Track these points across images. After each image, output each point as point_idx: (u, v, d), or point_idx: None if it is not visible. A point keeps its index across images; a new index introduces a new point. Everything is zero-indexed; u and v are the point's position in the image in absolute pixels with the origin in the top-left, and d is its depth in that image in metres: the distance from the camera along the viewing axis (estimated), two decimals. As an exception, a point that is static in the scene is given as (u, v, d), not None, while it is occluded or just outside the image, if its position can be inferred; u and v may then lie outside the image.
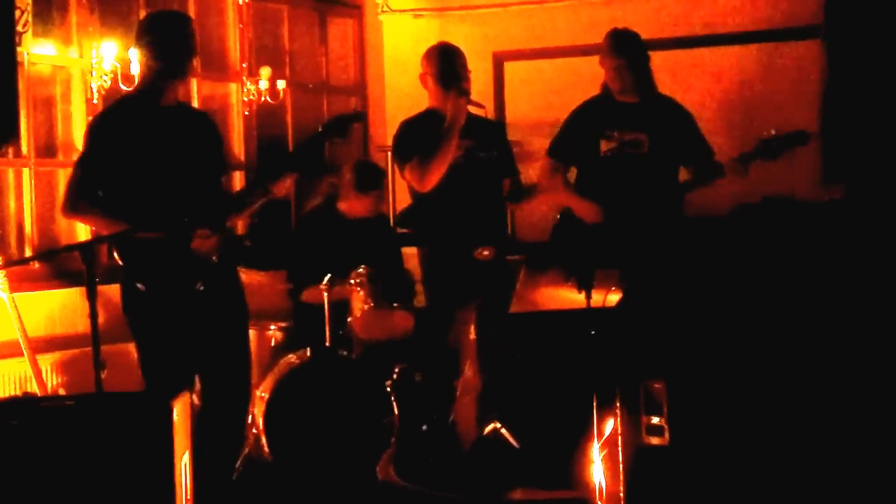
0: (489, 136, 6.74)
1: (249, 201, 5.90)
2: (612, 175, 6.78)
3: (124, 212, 5.46)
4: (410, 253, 7.28)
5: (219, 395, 5.66)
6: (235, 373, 5.78)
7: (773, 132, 6.76)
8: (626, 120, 6.80)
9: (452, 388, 6.67)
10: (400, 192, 8.80)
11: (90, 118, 7.03)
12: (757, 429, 5.51)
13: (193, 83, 7.92)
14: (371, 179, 7.41)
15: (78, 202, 5.56)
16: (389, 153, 8.93)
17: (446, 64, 6.61)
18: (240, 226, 7.95)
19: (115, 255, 5.60)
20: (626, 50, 6.83)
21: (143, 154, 5.51)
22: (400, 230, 7.93)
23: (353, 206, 7.35)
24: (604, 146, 6.81)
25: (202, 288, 5.57)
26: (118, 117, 5.65)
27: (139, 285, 5.51)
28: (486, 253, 6.53)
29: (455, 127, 6.44)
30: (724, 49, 8.61)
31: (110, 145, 5.52)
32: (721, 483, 5.50)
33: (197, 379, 5.75)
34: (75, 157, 7.15)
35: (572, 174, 7.01)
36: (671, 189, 6.85)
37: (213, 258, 5.57)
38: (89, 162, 5.58)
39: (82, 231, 7.18)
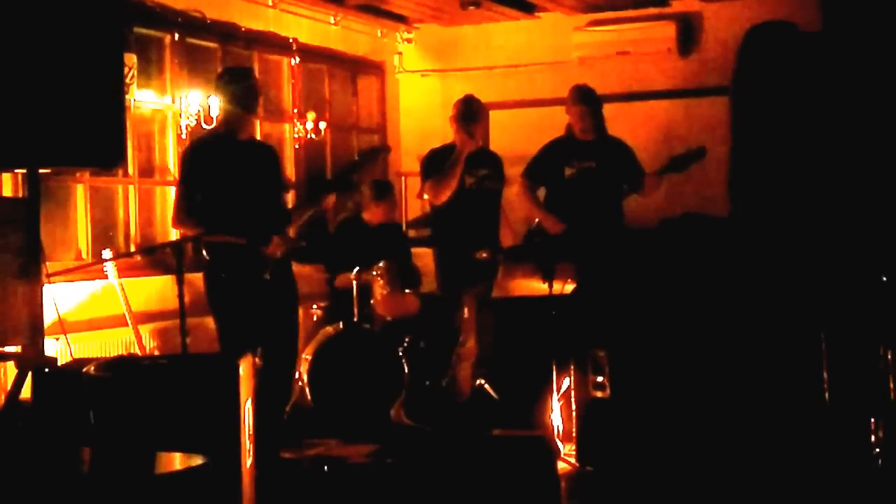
0: (496, 168, 6.84)
1: (302, 213, 5.94)
2: (573, 192, 6.84)
3: (215, 221, 5.46)
4: (420, 252, 7.29)
5: (275, 359, 5.67)
6: (287, 343, 5.77)
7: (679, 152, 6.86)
8: (582, 153, 6.88)
9: (452, 354, 6.66)
10: (411, 205, 8.83)
11: (182, 148, 7.03)
12: (675, 386, 5.51)
13: (257, 123, 7.91)
14: (383, 191, 7.44)
15: (180, 217, 5.59)
16: (403, 177, 8.98)
17: (463, 109, 6.69)
18: (292, 231, 7.95)
19: (204, 252, 5.60)
20: (588, 100, 6.88)
21: (225, 178, 5.51)
22: (411, 233, 7.95)
23: (373, 214, 7.35)
24: (567, 172, 6.87)
25: (268, 277, 5.55)
26: (205, 149, 5.64)
27: (222, 275, 5.51)
28: (484, 255, 6.57)
29: (461, 157, 6.53)
30: (653, 102, 8.63)
31: (200, 171, 5.52)
32: (649, 427, 5.50)
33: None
34: (170, 178, 7.19)
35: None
36: (615, 201, 6.90)
37: (278, 255, 5.58)
38: (186, 184, 5.58)
39: (173, 232, 7.18)
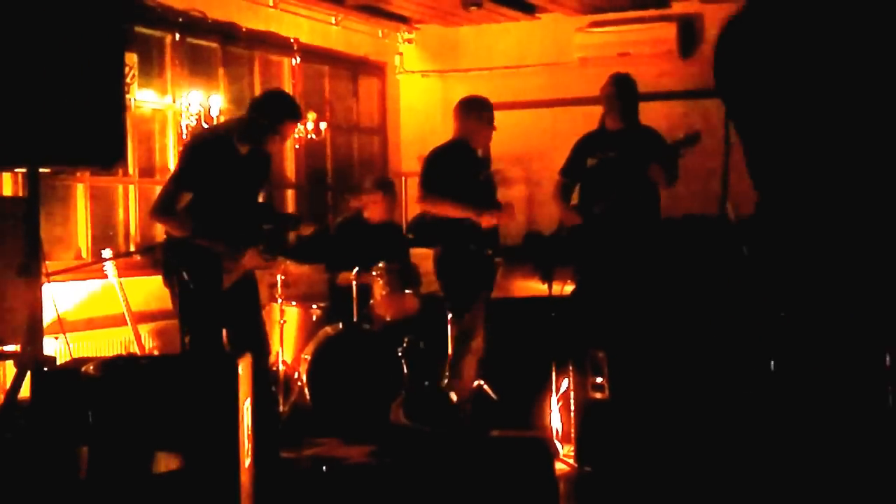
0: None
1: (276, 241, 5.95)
2: (594, 182, 6.71)
3: (196, 223, 5.43)
4: (420, 253, 7.30)
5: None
6: (258, 343, 5.71)
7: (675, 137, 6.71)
8: (607, 143, 6.69)
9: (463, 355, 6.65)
10: (411, 205, 8.83)
11: (187, 139, 6.95)
12: (673, 388, 5.52)
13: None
14: (383, 185, 7.43)
15: (161, 212, 5.54)
16: (404, 177, 9.00)
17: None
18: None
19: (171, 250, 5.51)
20: (618, 85, 6.75)
21: (221, 183, 5.49)
22: (410, 235, 7.94)
23: (372, 210, 7.33)
24: (590, 162, 6.75)
25: (225, 287, 5.49)
26: (211, 148, 5.57)
27: (184, 274, 5.42)
28: (489, 252, 6.57)
29: (473, 218, 6.53)
30: (653, 103, 8.62)
31: (200, 171, 5.50)
32: (648, 428, 5.51)
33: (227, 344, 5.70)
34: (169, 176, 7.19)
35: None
36: (640, 192, 6.63)
37: (248, 268, 5.55)
38: (180, 181, 5.53)
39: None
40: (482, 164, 6.79)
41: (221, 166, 5.47)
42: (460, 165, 6.68)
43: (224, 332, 5.60)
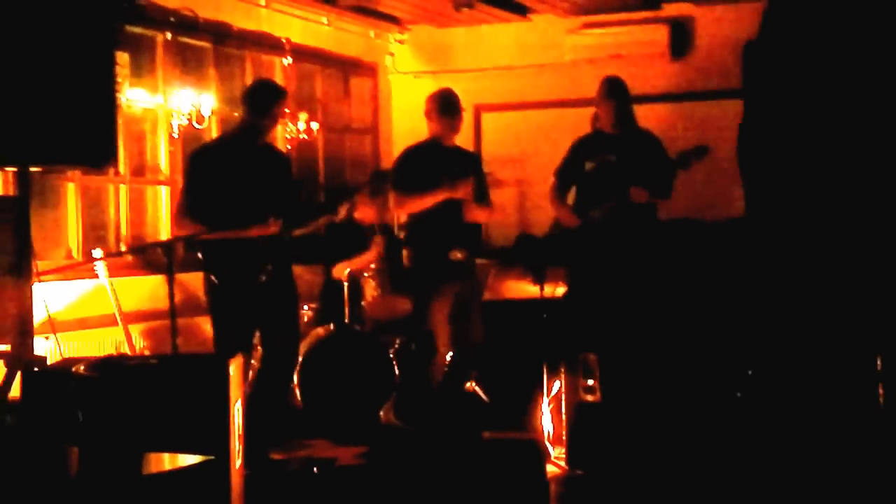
0: (470, 166, 6.70)
1: (309, 222, 5.95)
2: (592, 185, 6.64)
3: (215, 220, 5.46)
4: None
5: (273, 361, 5.70)
6: (287, 346, 5.79)
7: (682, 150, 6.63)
8: (604, 146, 6.63)
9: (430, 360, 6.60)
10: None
11: (174, 148, 7.04)
12: (665, 390, 5.53)
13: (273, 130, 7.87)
14: (377, 188, 7.39)
15: (182, 223, 5.61)
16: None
17: (444, 104, 6.59)
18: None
19: (199, 254, 5.60)
20: (610, 87, 6.67)
21: (235, 180, 5.54)
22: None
23: (364, 213, 7.30)
24: (587, 166, 6.68)
25: (265, 279, 5.56)
26: (211, 153, 5.73)
27: (212, 278, 5.50)
28: (459, 255, 6.48)
29: (447, 197, 6.41)
30: (645, 106, 8.62)
31: (207, 174, 5.56)
32: (639, 431, 5.51)
33: (259, 346, 5.79)
34: (161, 177, 7.18)
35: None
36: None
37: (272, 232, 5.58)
38: (190, 189, 5.60)
39: (164, 232, 7.16)
40: (453, 160, 6.66)
41: (224, 168, 5.57)
42: (428, 163, 6.56)
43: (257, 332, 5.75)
